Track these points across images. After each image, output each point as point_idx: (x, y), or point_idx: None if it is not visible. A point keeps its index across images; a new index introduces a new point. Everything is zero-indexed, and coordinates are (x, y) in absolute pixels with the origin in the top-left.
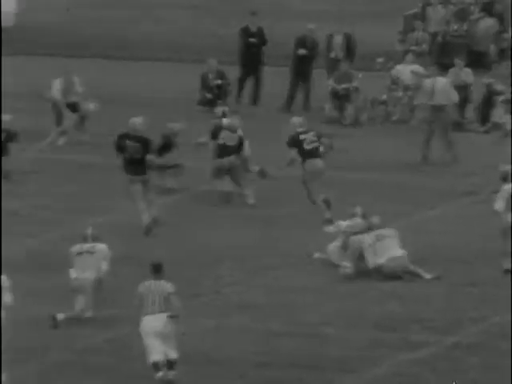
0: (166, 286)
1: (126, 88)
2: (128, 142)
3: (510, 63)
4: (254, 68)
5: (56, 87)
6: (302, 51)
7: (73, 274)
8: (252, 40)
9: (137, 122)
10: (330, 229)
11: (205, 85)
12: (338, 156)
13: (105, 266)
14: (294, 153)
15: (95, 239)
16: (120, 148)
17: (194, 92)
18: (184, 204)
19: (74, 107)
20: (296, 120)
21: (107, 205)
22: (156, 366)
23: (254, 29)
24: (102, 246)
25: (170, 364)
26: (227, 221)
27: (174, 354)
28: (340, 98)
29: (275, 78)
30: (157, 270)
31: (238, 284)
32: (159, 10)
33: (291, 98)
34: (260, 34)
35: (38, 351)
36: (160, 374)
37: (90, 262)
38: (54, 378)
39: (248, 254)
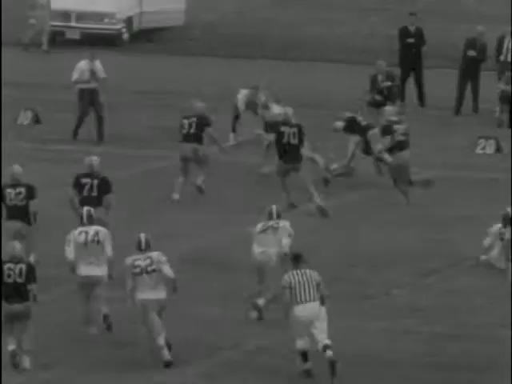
0: (313, 274)
1: (295, 89)
2: (283, 128)
3: None
4: (414, 69)
5: (242, 96)
6: (471, 53)
7: (256, 249)
8: (410, 40)
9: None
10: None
11: (374, 86)
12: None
13: (286, 241)
14: (386, 141)
15: (279, 216)
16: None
17: (365, 94)
18: (353, 204)
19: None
20: (390, 109)
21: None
22: (304, 356)
23: (412, 29)
24: (285, 223)
25: (326, 348)
26: (391, 222)
27: (327, 340)
28: (510, 102)
29: (444, 80)
30: (298, 260)
31: (407, 286)
32: (327, 12)
33: (460, 100)
34: (418, 34)
35: (208, 349)
36: (308, 364)
37: (273, 238)
38: (221, 378)
39: (414, 255)
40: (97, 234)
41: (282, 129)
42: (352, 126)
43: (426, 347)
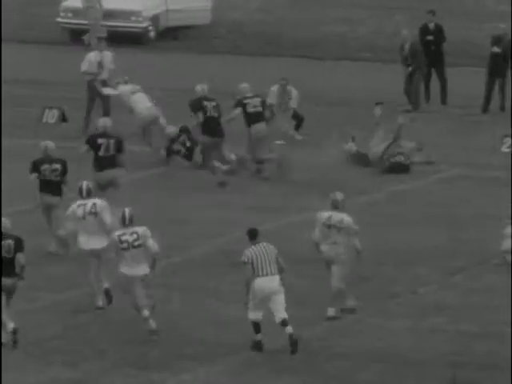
0: (271, 247)
1: (318, 87)
2: None
3: None
4: (435, 67)
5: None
6: (495, 49)
7: (323, 246)
8: (429, 38)
9: None
10: None
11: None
12: None
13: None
14: (237, 112)
15: (341, 206)
16: None
17: (397, 94)
18: (380, 202)
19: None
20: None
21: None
22: (257, 327)
23: (431, 27)
24: (348, 219)
25: (285, 323)
26: (417, 220)
27: (285, 314)
28: None
29: (468, 79)
30: (254, 235)
31: (433, 284)
32: (351, 10)
33: (488, 98)
34: (438, 31)
35: (231, 348)
36: (259, 336)
37: (338, 235)
38: (244, 376)
39: (440, 253)
40: (94, 206)
41: None
42: None
43: (452, 346)
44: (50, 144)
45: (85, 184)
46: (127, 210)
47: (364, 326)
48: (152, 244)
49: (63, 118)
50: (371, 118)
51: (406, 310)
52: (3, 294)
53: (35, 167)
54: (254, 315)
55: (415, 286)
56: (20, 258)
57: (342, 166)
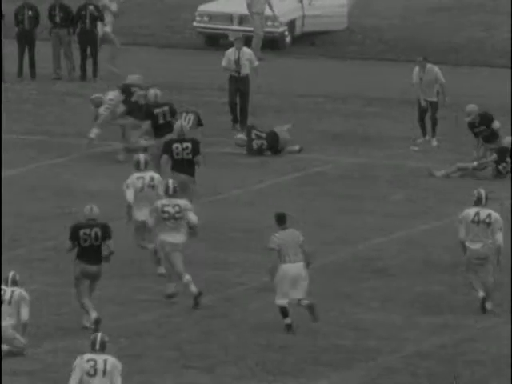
0: (297, 234)
1: (454, 93)
2: None
3: None
4: None
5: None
6: None
7: (471, 244)
8: None
9: None
10: None
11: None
12: None
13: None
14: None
15: (487, 200)
16: None
17: None
18: None
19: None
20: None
21: (440, 211)
22: (284, 312)
23: None
24: (495, 215)
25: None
26: None
27: (307, 300)
28: None
29: None
30: (282, 221)
31: None
32: (488, 16)
33: None
34: None
35: (368, 354)
36: (288, 319)
37: (486, 230)
38: (381, 382)
39: None
40: (152, 179)
41: None
42: None
43: None
44: (185, 126)
45: (141, 156)
46: (171, 181)
47: (499, 331)
48: (192, 216)
49: (199, 122)
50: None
51: None
52: (88, 280)
53: (168, 147)
54: (281, 301)
55: None
56: (110, 244)
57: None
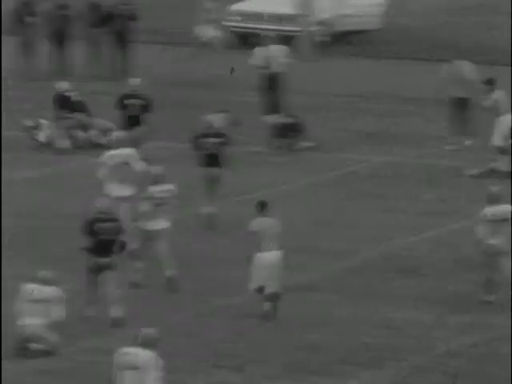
0: (276, 222)
1: None
2: None
3: None
4: None
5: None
6: None
7: (489, 239)
8: None
9: None
10: None
11: None
12: None
13: None
14: None
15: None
16: None
17: None
18: None
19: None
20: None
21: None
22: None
23: None
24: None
25: (276, 297)
26: None
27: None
28: None
29: None
30: (263, 207)
31: None
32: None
33: None
34: None
35: (399, 353)
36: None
37: (503, 227)
38: (412, 381)
39: None
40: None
41: None
42: None
43: None
44: (212, 117)
45: (115, 135)
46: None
47: None
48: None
49: (234, 121)
50: None
51: None
52: (104, 272)
53: (196, 140)
54: (253, 285)
55: None
56: (123, 239)
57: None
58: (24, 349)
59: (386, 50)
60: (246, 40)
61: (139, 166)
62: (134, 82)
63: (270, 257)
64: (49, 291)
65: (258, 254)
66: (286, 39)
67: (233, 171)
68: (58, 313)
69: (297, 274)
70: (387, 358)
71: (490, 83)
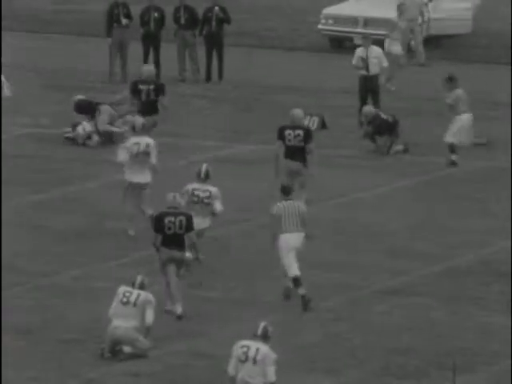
0: (300, 205)
1: None
2: None
3: None
4: None
5: None
6: None
7: None
8: None
9: None
10: None
11: None
12: None
13: None
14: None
15: None
16: None
17: None
18: None
19: None
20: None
21: None
22: (297, 281)
23: None
24: None
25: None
26: None
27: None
28: None
29: None
30: (286, 192)
31: None
32: None
33: None
34: None
35: (491, 357)
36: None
37: None
38: None
39: None
40: (147, 145)
41: None
42: None
43: None
44: (297, 111)
45: (139, 120)
46: (205, 166)
47: None
48: (218, 205)
49: (323, 125)
50: None
51: None
52: (173, 265)
53: (281, 133)
54: (292, 272)
55: None
56: (192, 236)
57: None
58: (117, 351)
59: (476, 54)
60: (339, 44)
61: (154, 158)
62: (148, 68)
63: (293, 238)
64: (143, 295)
65: (281, 236)
66: (377, 43)
67: (326, 174)
68: (150, 317)
69: (392, 277)
70: (481, 363)
71: (451, 81)
